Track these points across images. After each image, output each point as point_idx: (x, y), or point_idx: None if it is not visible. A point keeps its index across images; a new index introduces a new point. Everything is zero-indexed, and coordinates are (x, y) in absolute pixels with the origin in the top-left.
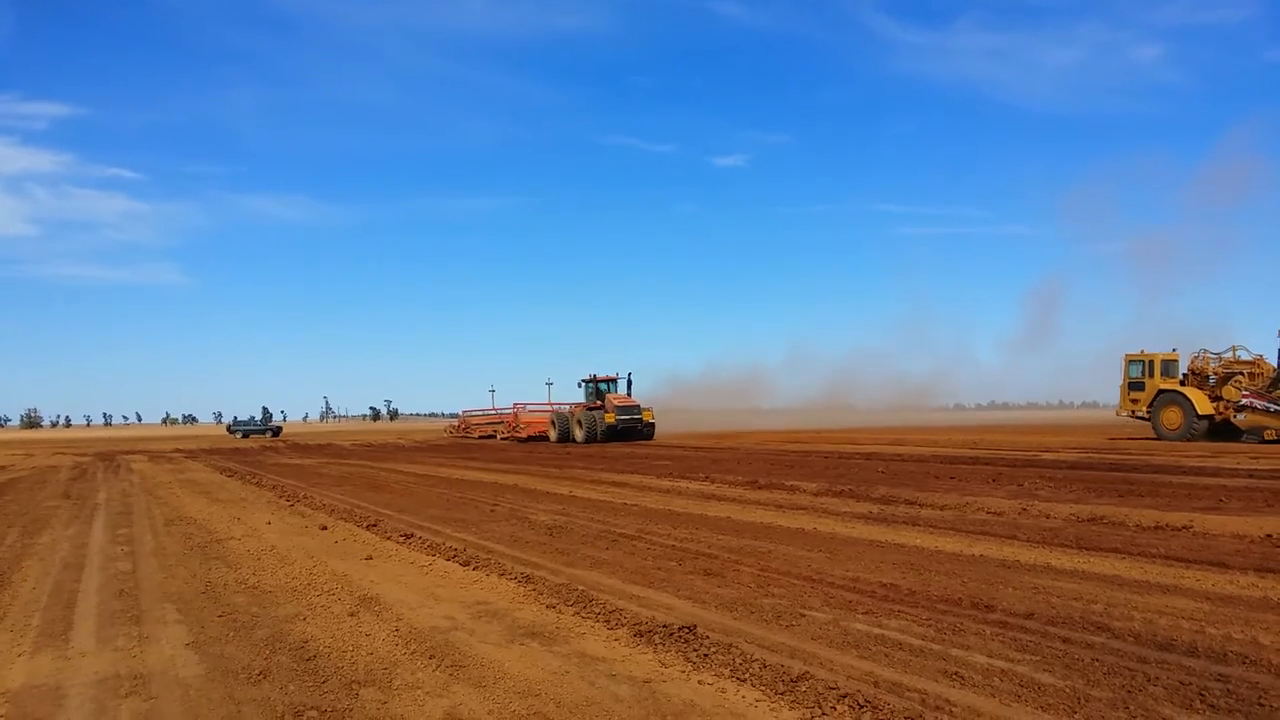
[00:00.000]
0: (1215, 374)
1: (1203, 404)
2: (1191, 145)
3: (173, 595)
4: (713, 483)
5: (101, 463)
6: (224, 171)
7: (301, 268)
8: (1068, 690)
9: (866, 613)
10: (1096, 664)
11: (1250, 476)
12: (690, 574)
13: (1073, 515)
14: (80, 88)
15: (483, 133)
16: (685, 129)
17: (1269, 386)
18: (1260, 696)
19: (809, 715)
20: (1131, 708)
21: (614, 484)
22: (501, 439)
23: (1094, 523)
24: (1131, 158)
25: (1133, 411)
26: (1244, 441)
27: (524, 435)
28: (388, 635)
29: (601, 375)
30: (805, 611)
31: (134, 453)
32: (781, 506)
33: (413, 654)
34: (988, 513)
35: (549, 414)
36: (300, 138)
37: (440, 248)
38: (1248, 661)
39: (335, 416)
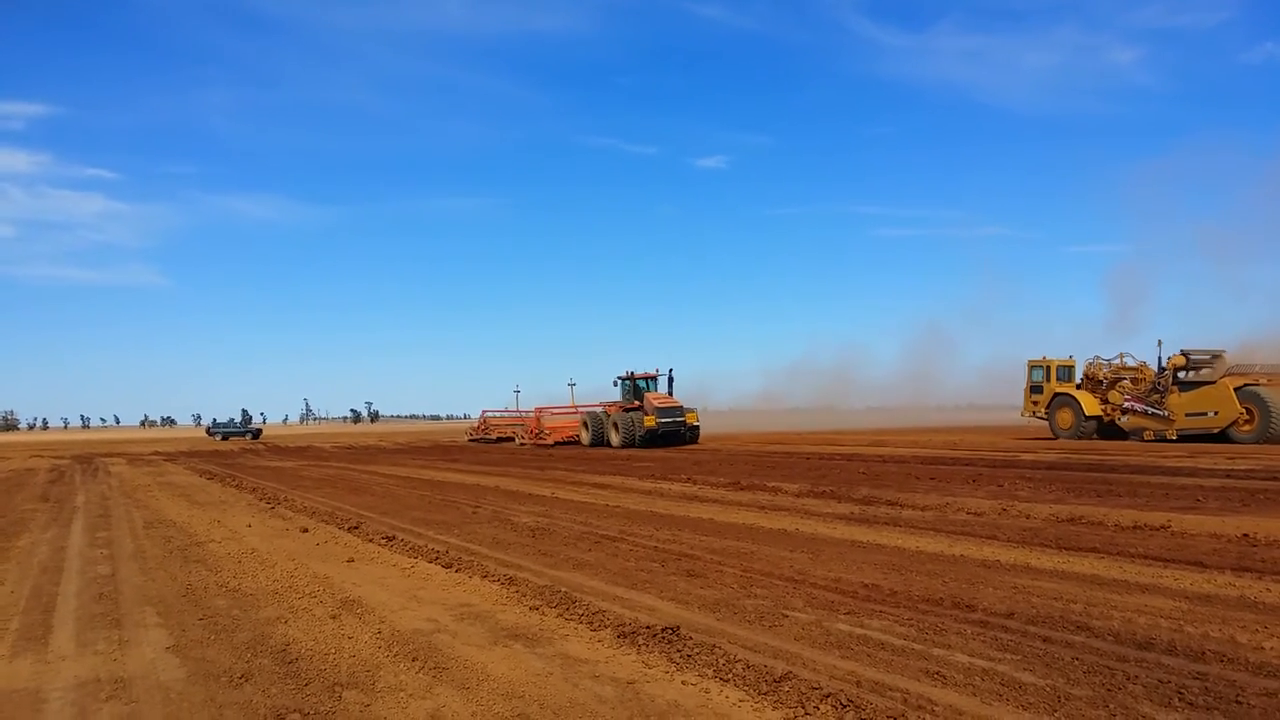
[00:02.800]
0: (1105, 378)
1: (1090, 406)
2: (1166, 147)
3: (153, 598)
4: (695, 484)
5: (79, 465)
6: (201, 172)
7: (281, 268)
8: (1048, 689)
9: (849, 613)
10: (1076, 663)
11: (1227, 476)
12: (673, 575)
13: (1052, 515)
14: (58, 88)
15: (462, 134)
16: (667, 131)
17: (1149, 391)
18: (1238, 694)
19: (792, 715)
20: (1111, 706)
21: (596, 485)
22: (520, 444)
23: (1073, 523)
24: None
25: (1034, 412)
26: (1130, 440)
27: (550, 441)
28: (370, 638)
29: (639, 372)
30: (788, 612)
31: (112, 455)
32: (764, 508)
33: (395, 656)
34: (968, 513)
35: (578, 416)
36: (278, 138)
37: (419, 249)
38: (1225, 660)
39: (315, 418)
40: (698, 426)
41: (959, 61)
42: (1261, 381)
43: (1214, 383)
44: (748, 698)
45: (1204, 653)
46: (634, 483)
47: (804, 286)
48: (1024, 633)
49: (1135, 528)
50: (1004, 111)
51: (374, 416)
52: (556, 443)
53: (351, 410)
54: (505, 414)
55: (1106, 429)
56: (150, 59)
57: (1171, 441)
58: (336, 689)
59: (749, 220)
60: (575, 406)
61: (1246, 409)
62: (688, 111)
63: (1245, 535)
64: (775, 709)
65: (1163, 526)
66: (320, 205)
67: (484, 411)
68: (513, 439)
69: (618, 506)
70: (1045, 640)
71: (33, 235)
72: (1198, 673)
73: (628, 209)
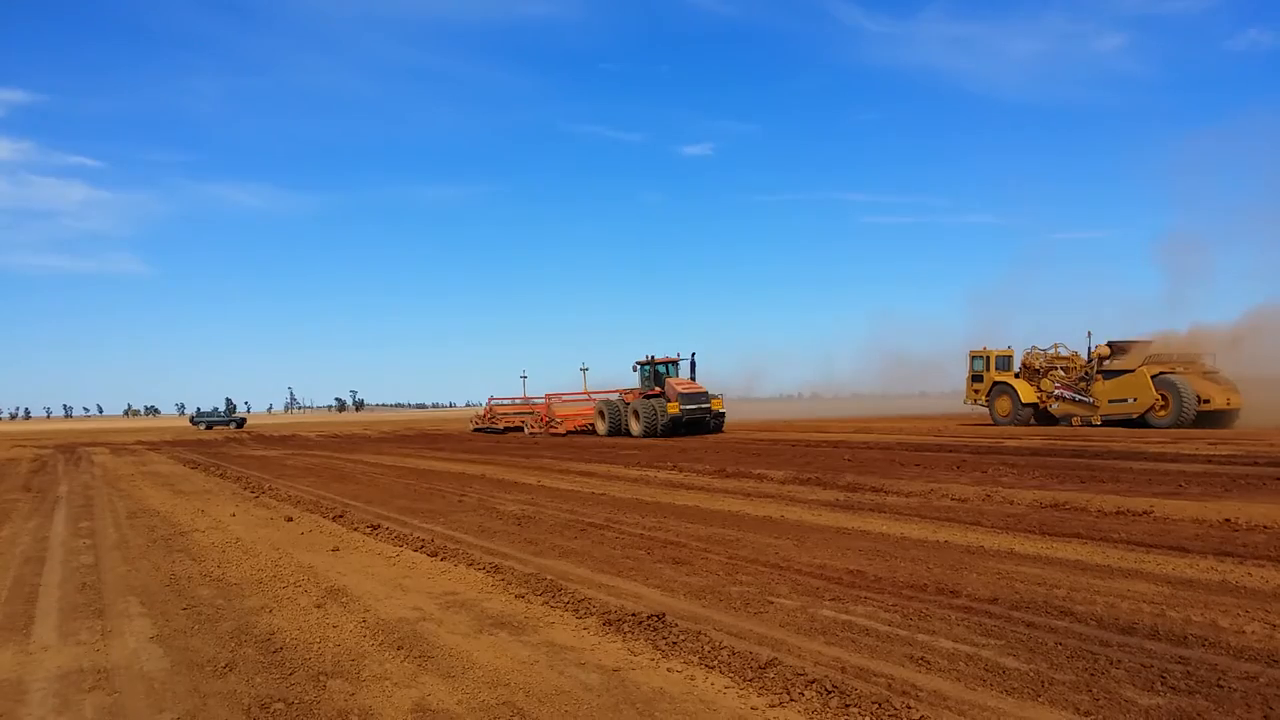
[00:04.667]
0: (1041, 367)
1: (1026, 394)
2: (1150, 134)
3: (136, 588)
4: (680, 471)
5: (62, 455)
6: (186, 159)
7: (265, 257)
8: (1032, 674)
9: (834, 599)
10: (1060, 647)
11: (1209, 462)
12: (659, 562)
13: (1036, 501)
14: (40, 74)
15: (449, 121)
16: (653, 118)
17: (1079, 379)
18: (1219, 678)
19: (777, 701)
20: (1094, 690)
21: (582, 473)
22: (530, 433)
23: (1056, 508)
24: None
25: (975, 400)
26: (1060, 425)
27: (562, 430)
28: (355, 626)
29: (660, 357)
30: (773, 599)
31: (95, 445)
32: (749, 495)
33: (380, 645)
34: (952, 499)
35: (592, 403)
36: (264, 125)
37: (405, 237)
38: (1207, 644)
39: (300, 407)
40: (723, 414)
41: (945, 48)
42: (1177, 369)
43: (1133, 371)
44: (733, 684)
45: (1186, 637)
46: (620, 470)
47: (797, 272)
48: (1008, 618)
49: (1118, 513)
50: (991, 98)
51: (359, 405)
52: (569, 431)
53: (336, 399)
54: (512, 402)
55: (1043, 415)
56: (135, 44)
57: (1096, 426)
58: (321, 678)
59: (736, 207)
60: (588, 393)
61: (1162, 395)
62: (673, 98)
63: (1227, 520)
64: (760, 695)
65: (1145, 512)
66: (305, 193)
67: (490, 399)
68: (521, 429)
69: (604, 494)
70: (1029, 625)
71: (15, 223)
72: (1180, 657)
73: (614, 196)
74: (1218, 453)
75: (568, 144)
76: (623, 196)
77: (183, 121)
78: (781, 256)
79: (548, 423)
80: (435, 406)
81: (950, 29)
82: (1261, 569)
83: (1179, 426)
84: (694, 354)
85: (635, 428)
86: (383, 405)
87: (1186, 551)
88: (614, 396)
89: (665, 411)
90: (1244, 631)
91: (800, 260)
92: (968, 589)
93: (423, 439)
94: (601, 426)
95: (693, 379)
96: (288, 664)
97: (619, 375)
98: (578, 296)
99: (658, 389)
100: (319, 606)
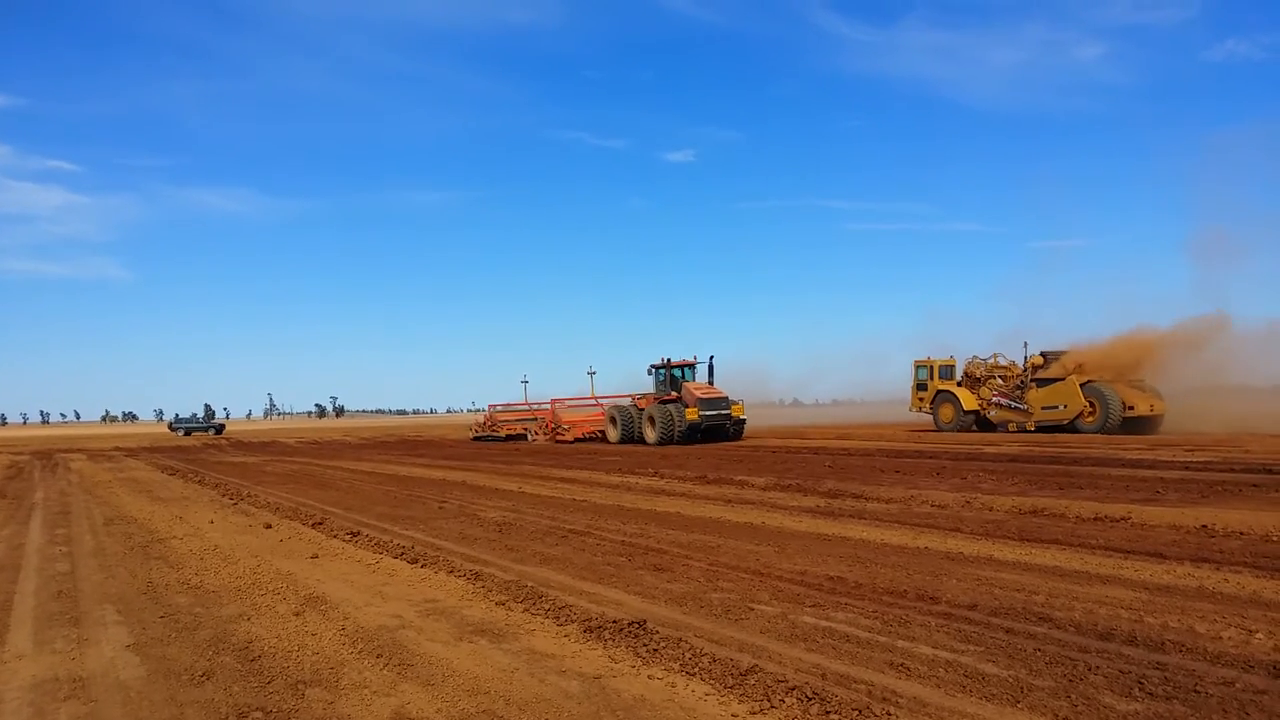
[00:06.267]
0: (981, 376)
1: (968, 401)
2: (1130, 143)
3: (113, 596)
4: (662, 478)
5: (39, 461)
6: (166, 164)
7: (245, 262)
8: (1011, 680)
9: (814, 606)
10: (1039, 654)
11: (1185, 469)
12: (640, 569)
13: (1015, 508)
14: (17, 78)
15: (432, 126)
16: (636, 124)
17: (1015, 388)
18: (1196, 684)
19: (758, 708)
20: (1073, 696)
21: (563, 480)
22: (532, 440)
23: (1035, 515)
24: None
25: (919, 408)
26: (999, 432)
27: (570, 437)
28: (334, 635)
29: (676, 360)
30: (754, 605)
31: (73, 451)
32: (730, 501)
33: (360, 653)
34: (932, 505)
35: (600, 409)
36: (245, 130)
37: (386, 242)
38: (1184, 650)
39: (279, 414)
40: (744, 420)
41: (926, 57)
42: (1106, 378)
43: (1063, 379)
44: (714, 691)
45: (1163, 643)
46: (601, 477)
47: (788, 277)
48: (987, 624)
49: (1096, 519)
50: (971, 107)
51: (339, 411)
52: (577, 439)
53: (316, 405)
54: (515, 408)
55: (983, 421)
56: (114, 49)
57: (1030, 433)
58: (299, 687)
59: (719, 214)
60: (595, 398)
61: (1090, 402)
62: (656, 105)
63: (1204, 526)
64: (741, 702)
65: (1123, 518)
66: (287, 198)
67: (490, 406)
68: (525, 436)
69: (585, 501)
70: (1008, 631)
71: None
72: (1157, 663)
73: (599, 201)
74: (1194, 459)
75: (552, 150)
76: (608, 202)
77: (164, 126)
78: (769, 263)
79: (554, 429)
80: (416, 413)
81: (931, 38)
82: (1238, 575)
83: (1105, 432)
84: (711, 357)
85: (650, 434)
86: (363, 411)
87: (1164, 558)
88: (626, 401)
89: (683, 417)
90: (1220, 637)
91: (791, 266)
92: (947, 595)
93: (403, 445)
94: (613, 433)
95: (711, 383)
96: (266, 672)
97: (622, 379)
98: (568, 302)
99: (674, 394)
100: (298, 614)
